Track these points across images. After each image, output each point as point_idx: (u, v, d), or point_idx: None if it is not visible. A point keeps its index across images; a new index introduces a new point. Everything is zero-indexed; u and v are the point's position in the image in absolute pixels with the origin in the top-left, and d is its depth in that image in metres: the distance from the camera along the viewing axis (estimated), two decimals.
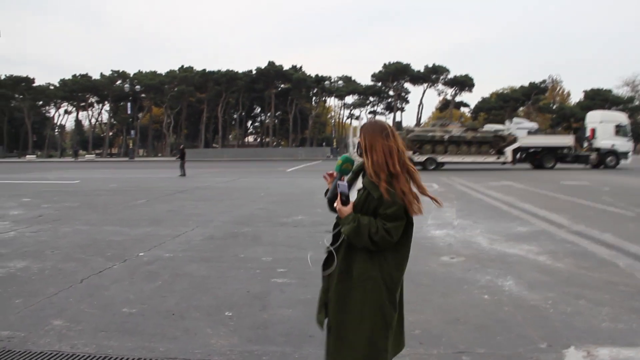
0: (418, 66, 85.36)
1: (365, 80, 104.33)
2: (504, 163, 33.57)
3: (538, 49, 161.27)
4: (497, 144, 33.74)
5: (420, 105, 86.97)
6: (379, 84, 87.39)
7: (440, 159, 33.33)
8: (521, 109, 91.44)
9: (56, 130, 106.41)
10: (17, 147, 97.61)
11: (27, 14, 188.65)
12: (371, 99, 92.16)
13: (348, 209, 2.78)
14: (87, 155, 79.69)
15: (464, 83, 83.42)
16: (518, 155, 34.26)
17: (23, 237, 9.25)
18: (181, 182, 22.94)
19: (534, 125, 38.59)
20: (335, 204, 2.86)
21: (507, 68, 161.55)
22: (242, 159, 64.22)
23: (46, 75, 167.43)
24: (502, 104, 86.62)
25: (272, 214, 11.86)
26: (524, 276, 6.04)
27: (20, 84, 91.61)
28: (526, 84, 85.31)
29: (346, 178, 2.93)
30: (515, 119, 39.52)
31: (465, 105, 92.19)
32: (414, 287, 5.40)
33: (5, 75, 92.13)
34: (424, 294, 5.42)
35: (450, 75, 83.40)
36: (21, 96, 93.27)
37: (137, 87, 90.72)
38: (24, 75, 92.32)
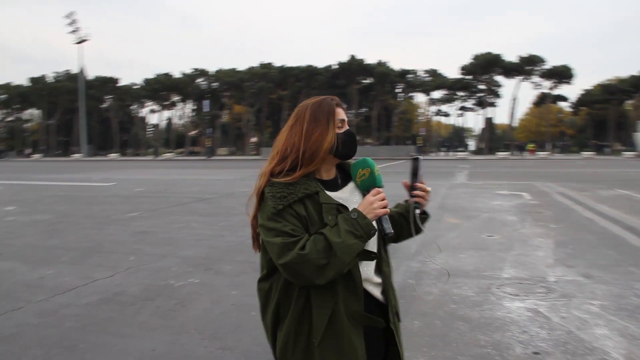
0: (510, 57, 78.37)
1: (453, 74, 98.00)
2: None
3: None
4: None
5: (513, 99, 79.65)
6: (468, 77, 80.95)
7: None
8: (629, 102, 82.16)
9: (148, 129, 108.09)
10: (106, 147, 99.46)
11: (111, 17, 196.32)
12: (460, 93, 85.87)
13: None
14: (165, 154, 79.04)
15: (563, 74, 75.09)
16: None
17: None
18: (220, 187, 19.59)
19: None
20: (428, 189, 1.97)
21: (613, 56, 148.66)
22: None
23: (132, 76, 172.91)
24: (608, 97, 77.81)
25: None
26: None
27: (107, 85, 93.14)
28: (636, 72, 75.82)
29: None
30: None
31: (564, 99, 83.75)
32: None
33: (94, 76, 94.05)
34: None
35: (547, 66, 75.40)
36: (109, 96, 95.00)
37: (215, 84, 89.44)
38: (110, 75, 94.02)
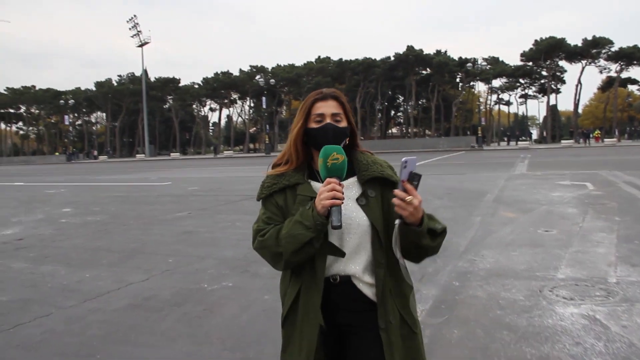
0: (574, 40, 75.09)
1: (514, 61, 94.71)
2: None
3: None
4: None
5: (578, 85, 76.26)
6: (530, 63, 78.17)
7: None
8: None
9: (210, 128, 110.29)
10: (168, 146, 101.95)
11: (171, 18, 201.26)
12: (521, 81, 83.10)
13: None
14: (225, 152, 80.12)
15: (632, 56, 71.08)
16: None
17: None
18: None
19: None
20: (407, 199, 1.68)
21: None
22: (377, 151, 59.79)
23: (192, 75, 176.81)
24: None
25: None
26: None
27: (168, 85, 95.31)
28: None
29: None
30: None
31: (634, 82, 79.67)
32: None
33: (155, 77, 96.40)
34: None
35: (615, 48, 71.83)
36: (170, 96, 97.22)
37: (272, 81, 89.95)
38: (171, 76, 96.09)
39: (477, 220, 9.05)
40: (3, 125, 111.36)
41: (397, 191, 1.70)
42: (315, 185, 1.89)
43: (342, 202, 1.69)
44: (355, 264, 1.83)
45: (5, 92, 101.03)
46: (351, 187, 1.87)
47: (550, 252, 6.43)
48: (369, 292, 1.83)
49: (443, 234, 1.83)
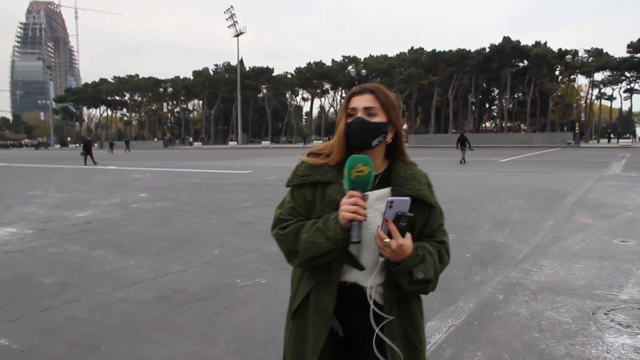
0: None
1: (620, 53, 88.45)
2: None
3: None
4: None
5: None
6: (638, 55, 72.86)
7: None
8: None
9: (303, 117, 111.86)
10: (261, 134, 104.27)
11: (269, 9, 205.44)
12: (627, 74, 77.67)
13: (409, 242, 1.67)
14: (315, 141, 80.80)
15: None
16: None
17: None
18: None
19: None
20: (384, 241, 1.63)
21: None
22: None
23: (287, 65, 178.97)
24: None
25: None
26: None
27: (262, 74, 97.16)
28: None
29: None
30: None
31: None
32: None
33: (249, 67, 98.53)
34: None
35: None
36: (264, 86, 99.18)
37: (363, 71, 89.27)
38: (265, 66, 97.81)
39: (548, 225, 8.40)
40: (110, 112, 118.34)
41: (379, 229, 1.64)
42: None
43: (364, 219, 1.62)
44: (369, 277, 1.74)
45: (112, 81, 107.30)
46: (382, 199, 1.74)
47: (619, 267, 5.78)
48: (378, 302, 1.76)
49: (426, 284, 1.72)
